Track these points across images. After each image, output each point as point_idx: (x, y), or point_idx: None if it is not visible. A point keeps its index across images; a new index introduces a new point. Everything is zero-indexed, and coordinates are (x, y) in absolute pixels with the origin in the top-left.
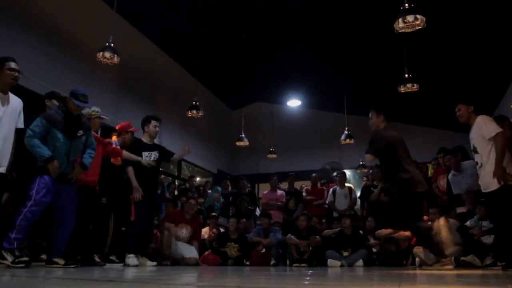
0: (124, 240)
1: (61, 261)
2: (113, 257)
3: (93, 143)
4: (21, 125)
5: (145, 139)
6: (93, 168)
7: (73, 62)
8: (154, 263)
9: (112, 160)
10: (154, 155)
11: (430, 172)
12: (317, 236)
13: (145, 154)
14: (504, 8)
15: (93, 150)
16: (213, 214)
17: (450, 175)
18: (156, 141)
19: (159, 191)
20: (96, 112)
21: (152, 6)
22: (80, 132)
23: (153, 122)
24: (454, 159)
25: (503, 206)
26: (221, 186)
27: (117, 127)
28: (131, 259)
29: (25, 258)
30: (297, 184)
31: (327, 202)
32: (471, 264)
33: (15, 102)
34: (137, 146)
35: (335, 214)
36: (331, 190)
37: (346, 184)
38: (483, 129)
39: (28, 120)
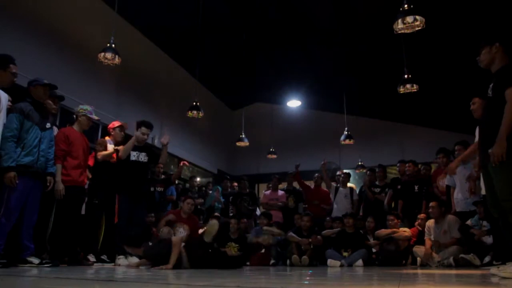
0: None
1: (35, 260)
2: (104, 257)
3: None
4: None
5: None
6: (80, 168)
7: (74, 62)
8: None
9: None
10: (142, 156)
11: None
12: (319, 236)
13: (133, 153)
14: (504, 8)
15: (53, 145)
16: (216, 214)
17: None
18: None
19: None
20: (83, 109)
21: (153, 7)
22: (48, 125)
23: (142, 129)
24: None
25: None
26: (221, 186)
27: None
28: (122, 260)
29: (3, 261)
30: (297, 184)
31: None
32: (470, 263)
33: (5, 97)
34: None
35: (334, 214)
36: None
37: (348, 184)
38: None
39: None
